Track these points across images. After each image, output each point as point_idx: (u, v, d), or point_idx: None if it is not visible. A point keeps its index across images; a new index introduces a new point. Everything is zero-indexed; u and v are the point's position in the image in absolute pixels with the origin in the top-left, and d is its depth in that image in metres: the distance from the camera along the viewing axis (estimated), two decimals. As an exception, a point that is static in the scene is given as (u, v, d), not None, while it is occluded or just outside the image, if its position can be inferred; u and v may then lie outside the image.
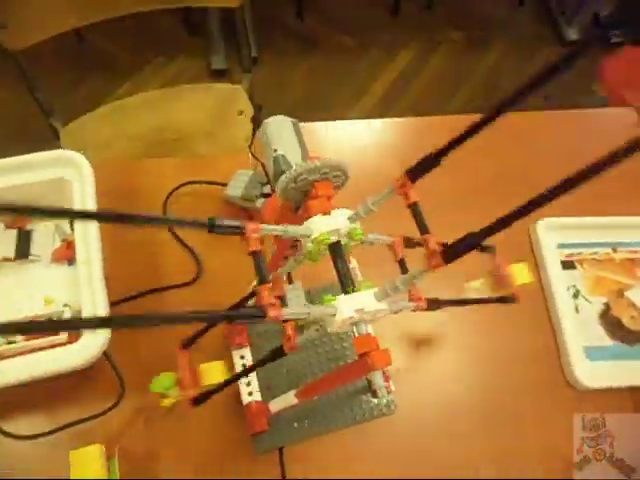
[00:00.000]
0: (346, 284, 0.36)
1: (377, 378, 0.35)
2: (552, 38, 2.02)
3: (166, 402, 0.45)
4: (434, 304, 0.44)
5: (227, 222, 0.33)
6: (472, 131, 0.30)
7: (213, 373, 0.45)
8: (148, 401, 0.56)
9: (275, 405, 0.51)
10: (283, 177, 0.37)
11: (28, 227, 0.67)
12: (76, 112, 1.13)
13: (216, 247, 0.69)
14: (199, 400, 0.46)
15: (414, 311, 0.42)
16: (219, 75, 1.78)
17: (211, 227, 0.32)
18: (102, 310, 0.55)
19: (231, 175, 0.71)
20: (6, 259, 0.65)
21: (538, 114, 0.84)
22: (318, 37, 1.96)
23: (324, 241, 0.36)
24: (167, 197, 0.72)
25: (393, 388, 0.61)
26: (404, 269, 0.46)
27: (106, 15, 0.99)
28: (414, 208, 0.36)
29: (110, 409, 0.57)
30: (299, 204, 0.42)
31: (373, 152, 0.83)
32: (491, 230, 0.26)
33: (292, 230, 0.36)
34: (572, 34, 1.97)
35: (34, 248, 0.66)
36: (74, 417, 0.56)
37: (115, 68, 1.81)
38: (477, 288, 0.55)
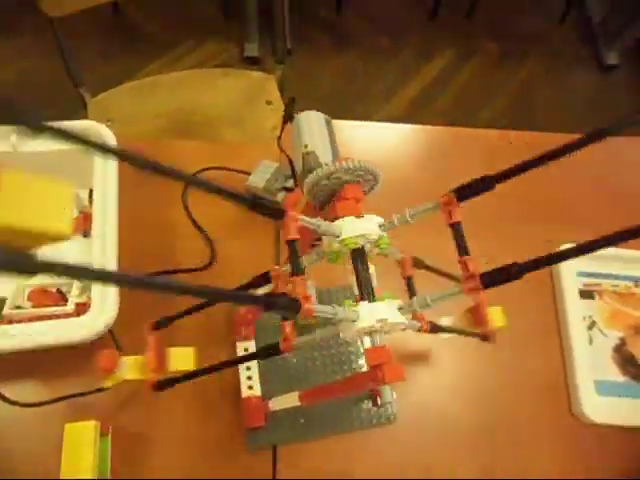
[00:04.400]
0: (365, 292, 0.35)
1: (386, 393, 0.34)
2: (590, 60, 1.98)
3: (108, 382, 0.41)
4: (435, 328, 0.43)
5: (269, 202, 0.32)
6: (537, 162, 0.28)
7: (182, 359, 0.42)
8: (146, 382, 0.55)
9: (276, 404, 0.51)
10: (315, 173, 0.36)
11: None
12: (105, 84, 1.13)
13: (231, 235, 0.69)
14: (161, 385, 0.42)
15: (417, 331, 0.41)
16: (251, 63, 1.77)
17: (253, 204, 0.31)
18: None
19: (255, 164, 0.71)
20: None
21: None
22: (354, 34, 1.95)
23: (351, 244, 0.35)
24: (188, 180, 0.71)
25: (395, 396, 0.60)
26: (411, 287, 0.45)
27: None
28: (456, 228, 0.34)
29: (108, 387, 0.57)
30: (323, 204, 0.41)
31: (399, 157, 0.81)
32: (536, 264, 0.24)
33: (324, 226, 0.35)
34: (611, 58, 1.93)
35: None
36: (72, 390, 0.56)
37: (147, 45, 1.81)
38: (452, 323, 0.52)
